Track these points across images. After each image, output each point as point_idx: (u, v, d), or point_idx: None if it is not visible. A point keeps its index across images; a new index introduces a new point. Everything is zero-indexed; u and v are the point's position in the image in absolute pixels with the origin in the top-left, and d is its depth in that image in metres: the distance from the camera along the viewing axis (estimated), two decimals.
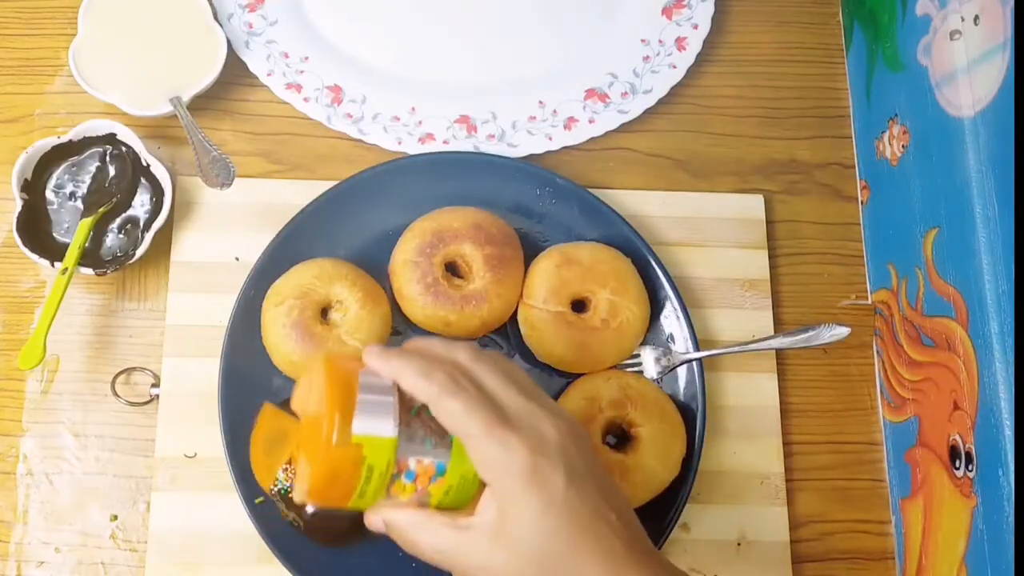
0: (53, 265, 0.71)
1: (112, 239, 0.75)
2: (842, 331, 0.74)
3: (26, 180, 0.74)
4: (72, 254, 0.71)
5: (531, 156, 0.80)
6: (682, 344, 0.74)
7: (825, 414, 0.78)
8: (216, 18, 0.79)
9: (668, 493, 0.70)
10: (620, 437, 0.71)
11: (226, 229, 0.76)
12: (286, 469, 0.66)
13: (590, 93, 0.82)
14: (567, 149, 0.81)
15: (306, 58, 0.81)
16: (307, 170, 0.80)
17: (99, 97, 0.75)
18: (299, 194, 0.75)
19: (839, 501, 0.76)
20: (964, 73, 0.67)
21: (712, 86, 0.85)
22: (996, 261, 0.63)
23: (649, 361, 0.74)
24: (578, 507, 0.50)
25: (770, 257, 0.80)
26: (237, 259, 0.75)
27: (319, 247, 0.73)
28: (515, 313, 0.74)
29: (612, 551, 0.50)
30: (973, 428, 0.65)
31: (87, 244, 0.73)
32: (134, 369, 0.74)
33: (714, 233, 0.80)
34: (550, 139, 0.80)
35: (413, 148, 0.79)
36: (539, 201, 0.77)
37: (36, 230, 0.73)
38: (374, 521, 0.54)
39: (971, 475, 0.66)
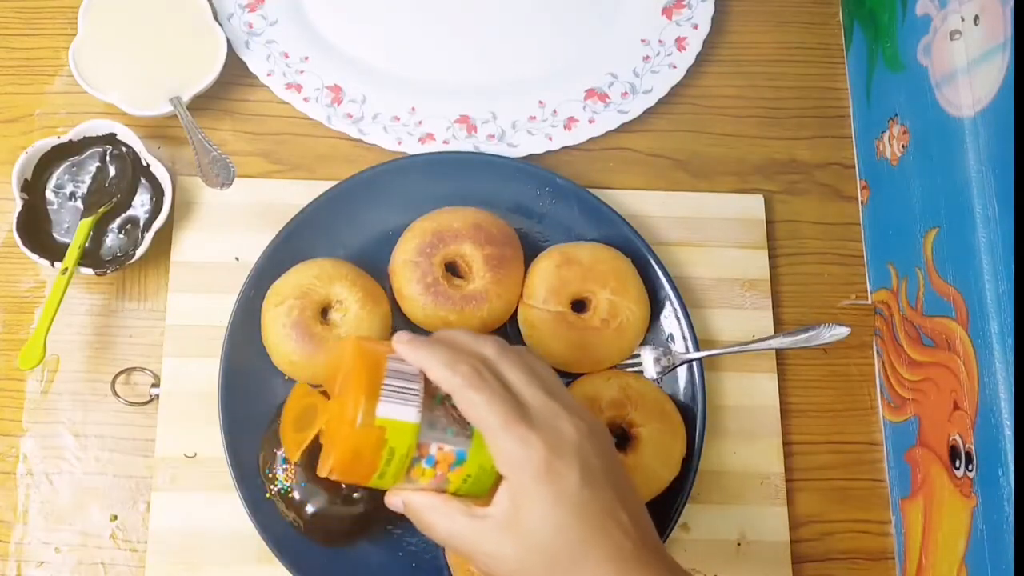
0: (53, 265, 0.71)
1: (112, 239, 0.75)
2: (842, 331, 0.74)
3: (26, 180, 0.74)
4: (72, 254, 0.71)
5: (531, 156, 0.80)
6: (682, 344, 0.74)
7: (825, 414, 0.78)
8: (216, 18, 0.79)
9: (668, 493, 0.70)
10: (620, 437, 0.71)
11: (226, 229, 0.76)
12: (286, 470, 0.66)
13: (590, 93, 0.82)
14: (567, 149, 0.81)
15: (306, 58, 0.81)
16: (307, 170, 0.80)
17: (99, 97, 0.75)
18: (299, 194, 0.75)
19: (839, 501, 0.76)
20: (964, 73, 0.67)
21: (712, 86, 0.85)
22: (996, 261, 0.63)
23: (649, 361, 0.74)
24: (590, 505, 0.51)
25: (770, 257, 0.80)
26: (237, 259, 0.75)
27: (319, 247, 0.73)
28: (515, 313, 0.74)
29: (621, 550, 0.51)
30: (973, 428, 0.65)
31: (87, 244, 0.73)
32: (134, 369, 0.74)
33: (714, 233, 0.80)
34: (550, 139, 0.80)
35: (413, 148, 0.79)
36: (539, 201, 0.77)
37: (36, 230, 0.73)
38: (394, 501, 0.56)
39: (971, 475, 0.66)
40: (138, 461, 0.72)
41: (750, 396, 0.76)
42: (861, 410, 0.78)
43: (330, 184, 0.75)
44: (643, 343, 0.74)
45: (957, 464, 0.67)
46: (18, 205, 0.73)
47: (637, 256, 0.75)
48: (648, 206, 0.79)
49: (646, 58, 0.83)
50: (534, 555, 0.51)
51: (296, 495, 0.66)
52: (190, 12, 0.78)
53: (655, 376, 0.74)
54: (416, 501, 0.55)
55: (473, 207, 0.74)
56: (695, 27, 0.84)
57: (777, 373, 0.77)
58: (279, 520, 0.68)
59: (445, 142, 0.79)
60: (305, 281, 0.70)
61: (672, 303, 0.75)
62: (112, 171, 0.76)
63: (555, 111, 0.81)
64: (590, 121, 0.81)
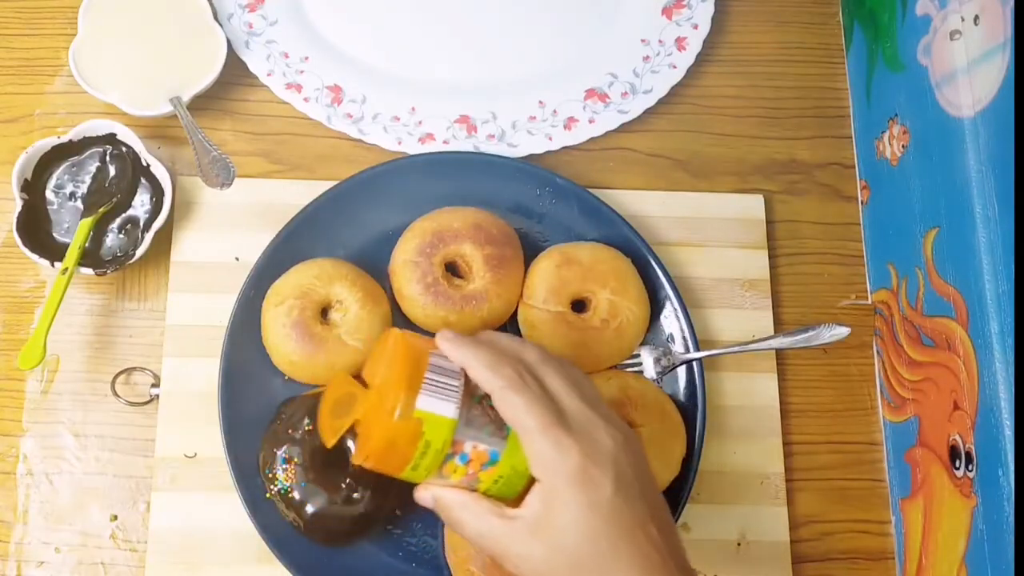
0: (53, 265, 0.71)
1: (112, 239, 0.75)
2: (842, 331, 0.74)
3: (26, 180, 0.74)
4: (72, 254, 0.71)
5: (531, 156, 0.80)
6: (682, 344, 0.74)
7: (825, 414, 0.78)
8: (216, 18, 0.79)
9: (668, 493, 0.70)
10: None
11: (226, 229, 0.76)
12: (286, 470, 0.66)
13: (590, 93, 0.82)
14: (567, 149, 0.81)
15: (306, 58, 0.81)
16: (307, 170, 0.80)
17: (99, 97, 0.75)
18: (299, 194, 0.75)
19: (839, 501, 0.76)
20: (964, 73, 0.67)
21: (712, 86, 0.85)
22: (996, 261, 0.63)
23: (649, 361, 0.74)
24: (622, 514, 0.51)
25: (770, 257, 0.80)
26: (237, 259, 0.75)
27: (319, 247, 0.73)
28: (515, 313, 0.74)
29: (649, 561, 0.52)
30: (973, 428, 0.65)
31: (87, 244, 0.73)
32: (134, 369, 0.74)
33: (714, 233, 0.80)
34: (550, 139, 0.80)
35: (413, 148, 0.79)
36: (539, 201, 0.77)
37: (36, 230, 0.73)
38: (424, 496, 0.56)
39: (971, 475, 0.66)
40: (138, 461, 0.72)
41: (750, 396, 0.76)
42: (861, 410, 0.78)
43: (330, 184, 0.75)
44: (643, 343, 0.74)
45: (957, 464, 0.67)
46: (18, 205, 0.73)
47: (637, 256, 0.75)
48: (648, 206, 0.79)
49: (646, 58, 0.83)
50: (561, 558, 0.51)
51: (296, 495, 0.66)
52: (190, 12, 0.78)
53: (655, 376, 0.74)
54: (447, 497, 0.55)
55: (473, 207, 0.74)
56: (695, 27, 0.84)
57: (777, 373, 0.77)
58: (279, 520, 0.68)
59: (445, 142, 0.79)
60: (305, 281, 0.70)
61: (672, 303, 0.75)
62: (112, 171, 0.76)
63: (555, 111, 0.81)
64: (590, 121, 0.81)
